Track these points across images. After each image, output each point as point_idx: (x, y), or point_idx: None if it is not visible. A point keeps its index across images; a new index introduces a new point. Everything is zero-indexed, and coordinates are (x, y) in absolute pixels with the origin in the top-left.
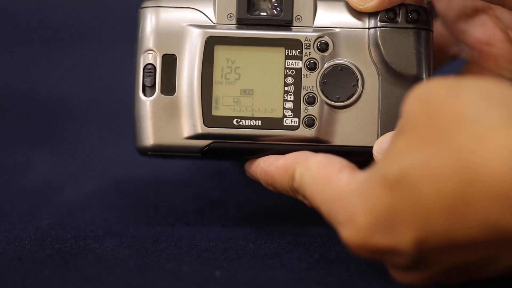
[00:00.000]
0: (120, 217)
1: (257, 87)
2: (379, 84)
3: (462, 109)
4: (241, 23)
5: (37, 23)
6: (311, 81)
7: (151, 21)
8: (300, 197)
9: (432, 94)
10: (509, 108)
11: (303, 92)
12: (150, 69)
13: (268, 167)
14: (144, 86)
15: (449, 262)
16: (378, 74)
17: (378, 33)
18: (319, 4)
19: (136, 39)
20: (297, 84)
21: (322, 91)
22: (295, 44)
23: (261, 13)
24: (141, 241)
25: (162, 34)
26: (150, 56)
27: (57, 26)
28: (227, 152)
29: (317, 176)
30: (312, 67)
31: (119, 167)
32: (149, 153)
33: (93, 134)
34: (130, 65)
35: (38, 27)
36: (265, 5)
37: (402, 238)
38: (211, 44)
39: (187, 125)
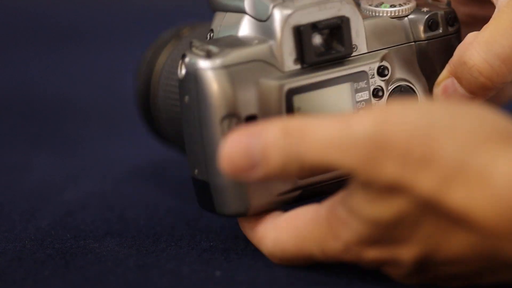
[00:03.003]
0: (120, 217)
1: None
2: (426, 96)
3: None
4: (308, 66)
5: (38, 23)
6: None
7: (221, 84)
8: None
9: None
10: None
11: None
12: None
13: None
14: None
15: (442, 272)
16: (427, 85)
17: (426, 45)
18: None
19: (201, 107)
20: None
21: None
22: (361, 76)
23: (323, 51)
24: (141, 241)
25: (241, 94)
26: (231, 121)
27: (57, 26)
28: (314, 195)
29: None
30: (378, 94)
31: (119, 167)
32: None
33: (93, 134)
34: (131, 65)
35: (39, 27)
36: (325, 43)
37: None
38: (290, 95)
39: (280, 182)
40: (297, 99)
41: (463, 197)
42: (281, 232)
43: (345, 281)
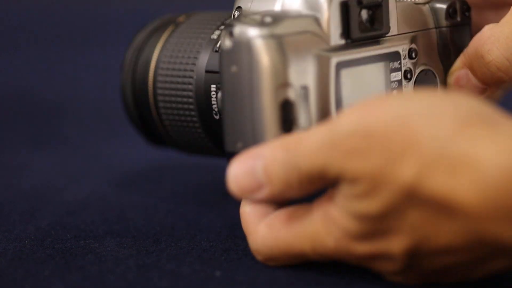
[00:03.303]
0: (120, 217)
1: None
2: (442, 83)
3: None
4: (353, 42)
5: (38, 23)
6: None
7: (277, 53)
8: None
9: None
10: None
11: None
12: (287, 105)
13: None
14: (281, 125)
15: (434, 265)
16: (444, 72)
17: (446, 32)
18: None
19: (253, 76)
20: None
21: None
22: (396, 56)
23: (367, 27)
24: (141, 241)
25: (294, 64)
26: (287, 90)
27: (57, 27)
28: None
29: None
30: (408, 76)
31: (119, 167)
32: None
33: (93, 134)
34: None
35: (39, 28)
36: (369, 19)
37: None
38: (339, 69)
39: None
40: (344, 73)
41: (445, 183)
42: (272, 229)
43: (346, 281)
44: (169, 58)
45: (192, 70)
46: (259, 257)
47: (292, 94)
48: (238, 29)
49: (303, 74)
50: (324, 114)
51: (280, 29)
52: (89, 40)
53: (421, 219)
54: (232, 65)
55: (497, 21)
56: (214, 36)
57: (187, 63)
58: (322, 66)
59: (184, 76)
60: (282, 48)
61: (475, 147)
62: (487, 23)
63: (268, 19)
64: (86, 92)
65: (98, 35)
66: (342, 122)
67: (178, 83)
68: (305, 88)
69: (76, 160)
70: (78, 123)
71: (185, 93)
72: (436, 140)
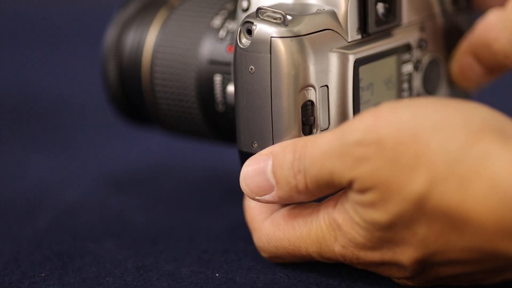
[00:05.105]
0: (119, 218)
1: (386, 101)
2: (446, 70)
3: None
4: (366, 36)
5: (33, 23)
6: (417, 82)
7: (300, 53)
8: None
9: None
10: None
11: (414, 95)
12: (308, 106)
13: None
14: (301, 126)
15: (445, 272)
16: (446, 60)
17: (451, 18)
18: None
19: (274, 77)
20: (411, 87)
21: (426, 90)
22: (407, 48)
23: (383, 21)
24: (140, 242)
25: (315, 64)
26: (309, 92)
27: (53, 26)
28: None
29: None
30: (418, 67)
31: (118, 167)
32: None
33: (92, 134)
34: None
35: (34, 28)
36: (384, 13)
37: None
38: (357, 66)
39: None
40: (362, 71)
41: (456, 196)
42: (278, 229)
43: (347, 283)
44: (167, 41)
45: (194, 57)
46: (264, 255)
47: (313, 95)
48: (257, 28)
49: (323, 74)
50: (342, 113)
51: (301, 28)
52: (86, 40)
53: (431, 232)
54: (250, 64)
55: (501, 3)
56: (215, 22)
57: (188, 49)
58: (341, 64)
59: (186, 63)
60: (303, 48)
61: (487, 159)
62: (491, 5)
63: (288, 18)
64: (84, 91)
65: (94, 36)
66: (353, 129)
67: (179, 68)
68: (325, 88)
69: (73, 161)
70: (76, 123)
71: (185, 80)
72: (446, 153)
